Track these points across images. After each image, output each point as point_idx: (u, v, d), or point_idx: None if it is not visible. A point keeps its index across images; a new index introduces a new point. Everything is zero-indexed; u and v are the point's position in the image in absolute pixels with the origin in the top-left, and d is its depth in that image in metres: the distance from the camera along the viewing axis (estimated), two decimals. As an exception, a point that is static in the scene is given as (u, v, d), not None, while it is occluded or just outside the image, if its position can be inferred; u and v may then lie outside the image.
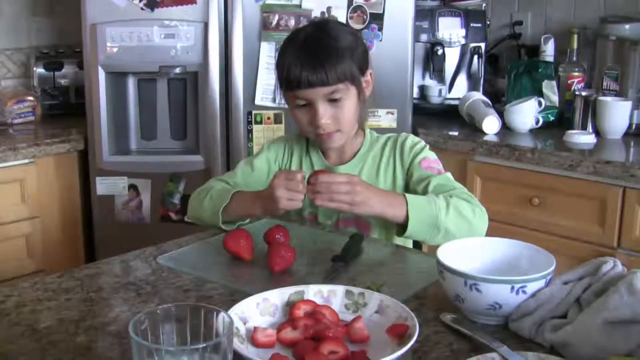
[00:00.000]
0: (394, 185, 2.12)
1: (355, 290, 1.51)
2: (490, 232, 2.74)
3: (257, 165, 2.19)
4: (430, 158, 2.11)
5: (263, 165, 2.19)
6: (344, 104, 2.00)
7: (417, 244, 2.30)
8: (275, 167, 2.19)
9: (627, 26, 3.22)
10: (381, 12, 3.05)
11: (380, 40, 3.04)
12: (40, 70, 3.62)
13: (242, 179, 2.15)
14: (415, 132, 3.18)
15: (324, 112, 1.99)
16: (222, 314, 1.16)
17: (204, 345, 1.09)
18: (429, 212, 1.87)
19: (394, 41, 3.07)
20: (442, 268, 1.46)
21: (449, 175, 2.08)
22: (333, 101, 1.99)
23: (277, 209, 1.88)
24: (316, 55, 1.97)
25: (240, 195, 2.00)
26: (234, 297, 1.55)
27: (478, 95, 3.44)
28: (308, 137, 2.15)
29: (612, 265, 1.42)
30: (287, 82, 1.99)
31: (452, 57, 3.60)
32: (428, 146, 2.16)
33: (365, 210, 1.87)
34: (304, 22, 3.03)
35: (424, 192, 2.01)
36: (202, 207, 2.06)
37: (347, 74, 1.97)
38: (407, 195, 1.90)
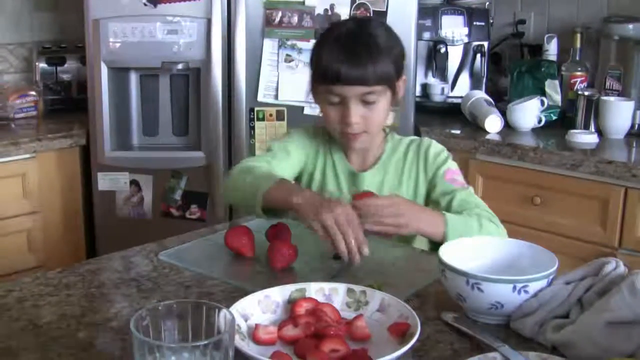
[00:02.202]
0: (416, 193, 2.10)
1: (357, 288, 1.51)
2: (492, 231, 2.75)
3: (292, 150, 2.12)
4: (453, 169, 2.08)
5: (297, 152, 2.13)
6: (377, 107, 1.96)
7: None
8: (303, 159, 2.15)
9: (630, 26, 3.22)
10: (384, 9, 3.05)
11: (383, 38, 3.04)
12: (42, 65, 3.62)
13: (279, 162, 2.08)
14: (417, 131, 3.18)
15: (356, 111, 1.95)
16: (223, 311, 1.16)
17: (206, 342, 1.09)
18: (463, 234, 1.82)
19: (397, 39, 3.06)
20: (444, 267, 1.46)
21: (471, 190, 2.06)
22: (366, 102, 1.94)
23: (307, 222, 1.75)
24: (358, 52, 1.92)
25: (284, 185, 1.89)
26: (235, 294, 1.54)
27: (480, 94, 3.44)
28: (332, 135, 2.09)
29: (615, 266, 1.42)
30: (324, 76, 1.95)
31: (454, 56, 3.60)
32: (450, 155, 2.13)
33: (409, 231, 1.83)
34: (307, 19, 3.03)
35: (448, 205, 1.99)
36: (244, 185, 1.95)
37: (385, 76, 1.93)
38: (446, 214, 1.87)
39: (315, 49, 2.03)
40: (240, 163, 2.08)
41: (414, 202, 1.97)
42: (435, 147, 2.12)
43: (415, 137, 2.18)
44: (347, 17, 2.98)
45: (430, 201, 2.08)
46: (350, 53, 1.92)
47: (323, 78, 1.96)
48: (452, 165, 2.10)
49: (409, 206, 1.85)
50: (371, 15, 3.02)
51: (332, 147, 2.14)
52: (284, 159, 2.10)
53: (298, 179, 2.18)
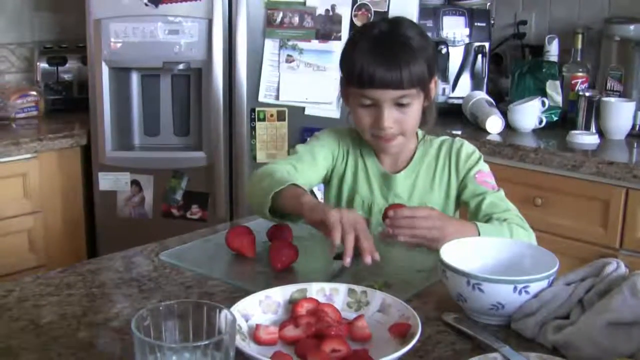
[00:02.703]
0: (448, 195, 2.07)
1: (358, 288, 1.51)
2: (493, 232, 2.75)
3: (320, 155, 2.09)
4: (484, 171, 2.05)
5: (324, 157, 2.10)
6: (411, 110, 1.93)
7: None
8: (331, 162, 2.12)
9: (631, 27, 3.22)
10: (385, 10, 3.05)
11: (385, 39, 3.03)
12: (43, 65, 3.62)
13: (304, 165, 2.05)
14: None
15: (389, 115, 1.91)
16: (224, 311, 1.16)
17: (207, 342, 1.09)
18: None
19: (398, 39, 3.06)
20: (445, 267, 1.46)
21: (502, 193, 2.02)
22: (400, 105, 1.91)
23: (321, 228, 1.73)
24: (392, 55, 1.89)
25: (296, 190, 1.85)
26: (236, 295, 1.55)
27: (482, 95, 3.44)
28: (363, 138, 2.06)
29: (616, 267, 1.42)
30: (359, 79, 1.90)
31: (456, 56, 3.59)
32: (482, 157, 2.09)
33: (442, 244, 1.69)
34: (308, 19, 3.03)
35: (477, 207, 1.98)
36: (258, 187, 1.94)
37: (419, 78, 1.90)
38: (478, 225, 1.83)
39: (347, 51, 1.98)
40: (265, 166, 2.03)
41: (447, 216, 1.92)
42: (467, 148, 2.08)
43: (447, 138, 2.13)
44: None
45: (460, 202, 2.07)
46: (384, 56, 1.88)
47: (356, 81, 1.92)
48: (484, 167, 2.07)
49: (443, 219, 1.80)
50: (372, 16, 3.02)
51: (362, 148, 2.10)
52: (309, 163, 2.06)
53: (328, 182, 2.16)
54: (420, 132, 2.11)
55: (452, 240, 1.64)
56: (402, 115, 1.93)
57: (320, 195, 2.29)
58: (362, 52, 1.90)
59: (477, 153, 2.09)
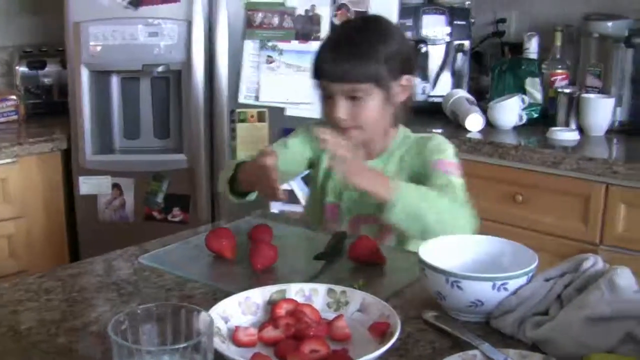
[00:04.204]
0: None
1: (337, 288, 1.51)
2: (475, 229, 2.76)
3: (291, 144, 2.18)
4: (445, 160, 2.05)
5: (297, 145, 2.18)
6: (365, 104, 1.98)
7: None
8: (309, 153, 2.19)
9: (609, 24, 3.23)
10: (365, 9, 3.05)
11: (364, 38, 3.03)
12: (23, 69, 3.60)
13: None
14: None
15: (341, 107, 1.98)
16: (202, 314, 1.16)
17: (185, 345, 1.09)
18: (416, 203, 1.81)
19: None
20: (424, 265, 1.46)
21: (456, 179, 2.02)
22: (354, 98, 1.98)
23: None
24: (344, 51, 1.98)
25: (244, 165, 2.01)
26: (216, 296, 1.54)
27: (462, 93, 3.44)
28: None
29: (593, 262, 1.43)
30: (314, 71, 2.02)
31: (436, 55, 3.60)
32: (453, 151, 2.11)
33: (356, 182, 1.76)
34: (288, 20, 3.03)
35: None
36: (221, 179, 2.12)
37: (370, 76, 1.95)
38: (399, 182, 1.84)
39: (319, 45, 2.09)
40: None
41: (376, 171, 1.94)
42: (437, 139, 2.13)
43: (427, 134, 2.19)
44: (359, 16, 2.99)
45: None
46: (335, 51, 1.99)
47: (313, 72, 2.03)
48: (449, 157, 2.07)
49: (366, 168, 1.85)
50: (352, 15, 3.02)
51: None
52: (281, 150, 2.08)
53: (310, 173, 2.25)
54: (402, 129, 2.16)
55: (367, 182, 1.76)
56: (355, 109, 1.99)
57: (300, 193, 2.32)
58: (324, 46, 2.04)
59: (447, 145, 2.11)
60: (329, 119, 2.04)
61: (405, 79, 2.04)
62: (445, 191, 1.92)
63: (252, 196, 2.06)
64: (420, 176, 2.04)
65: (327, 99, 2.02)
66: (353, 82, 1.96)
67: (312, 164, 2.22)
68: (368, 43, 1.97)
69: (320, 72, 2.00)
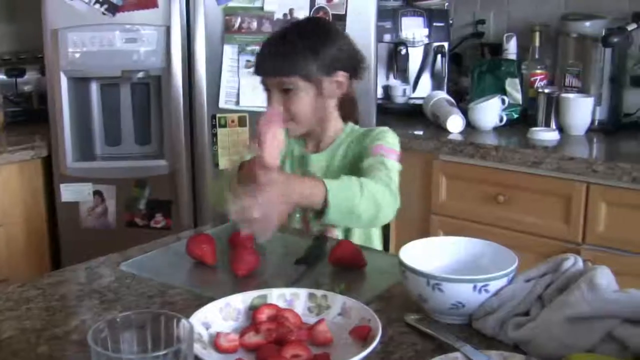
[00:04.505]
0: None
1: (318, 292, 1.51)
2: (457, 230, 2.78)
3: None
4: (384, 145, 2.13)
5: None
6: (296, 97, 2.11)
7: (384, 245, 2.31)
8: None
9: (587, 23, 3.25)
10: (343, 12, 3.05)
11: (343, 41, 3.03)
12: (1, 76, 3.57)
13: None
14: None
15: (275, 100, 2.11)
16: (182, 321, 1.15)
17: (165, 352, 1.08)
18: (346, 199, 1.83)
19: (357, 42, 2.98)
20: (404, 268, 1.46)
21: (390, 162, 2.07)
22: (285, 91, 2.10)
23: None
24: (275, 47, 2.13)
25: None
26: (198, 302, 1.54)
27: (442, 95, 3.45)
28: None
29: (573, 262, 1.43)
30: (254, 66, 2.19)
31: (415, 57, 3.61)
32: (395, 140, 2.19)
33: (281, 217, 1.73)
34: (266, 24, 3.03)
35: (359, 168, 2.07)
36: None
37: (296, 70, 2.08)
38: (326, 181, 1.83)
39: None
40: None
41: (290, 178, 1.88)
42: (380, 129, 2.23)
43: (374, 127, 2.29)
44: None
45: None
46: (269, 47, 2.16)
47: (254, 68, 2.19)
48: (387, 143, 2.15)
49: (281, 183, 1.73)
50: (330, 18, 3.02)
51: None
52: None
53: None
54: (350, 125, 2.27)
55: (300, 201, 1.77)
56: (287, 102, 2.11)
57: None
58: (263, 44, 2.19)
59: (388, 133, 2.20)
60: None
61: (340, 75, 2.15)
62: (374, 170, 2.00)
63: None
64: (360, 162, 2.13)
65: (267, 93, 2.15)
66: (281, 76, 2.09)
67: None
68: (299, 39, 2.11)
69: (257, 67, 2.16)
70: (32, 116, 3.57)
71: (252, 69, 3.00)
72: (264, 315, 1.42)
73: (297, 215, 2.21)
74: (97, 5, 3.04)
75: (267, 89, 2.14)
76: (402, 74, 3.61)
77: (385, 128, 2.23)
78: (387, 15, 3.56)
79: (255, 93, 3.02)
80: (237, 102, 3.09)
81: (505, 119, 3.26)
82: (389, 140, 2.17)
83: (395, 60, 3.57)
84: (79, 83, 3.21)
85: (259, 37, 3.02)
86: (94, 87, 3.30)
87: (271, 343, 1.33)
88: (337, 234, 2.14)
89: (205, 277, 1.77)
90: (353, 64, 2.20)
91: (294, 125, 2.14)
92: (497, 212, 3.00)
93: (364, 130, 2.26)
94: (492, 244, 1.58)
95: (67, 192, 3.21)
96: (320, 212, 1.82)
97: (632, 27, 3.11)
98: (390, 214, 1.96)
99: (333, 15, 3.04)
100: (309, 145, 2.28)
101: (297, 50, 2.09)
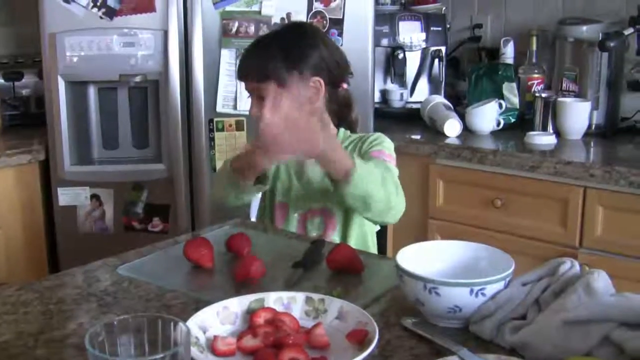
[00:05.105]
0: None
1: (316, 296, 1.51)
2: (454, 235, 2.79)
3: None
4: (384, 151, 2.15)
5: None
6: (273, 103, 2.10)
7: (381, 249, 2.32)
8: None
9: (584, 28, 3.25)
10: (341, 17, 3.06)
11: (341, 45, 3.03)
12: (-1, 80, 3.58)
13: None
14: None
15: (253, 105, 2.14)
16: (179, 324, 1.15)
17: (161, 355, 1.08)
18: (368, 182, 1.87)
19: (355, 46, 3.07)
20: (401, 272, 1.46)
21: (391, 166, 2.11)
22: (262, 97, 2.10)
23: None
24: (252, 52, 2.16)
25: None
26: (195, 306, 1.54)
27: (439, 99, 3.46)
28: None
29: (570, 266, 1.43)
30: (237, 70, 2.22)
31: (413, 61, 3.62)
32: (390, 144, 2.21)
33: (313, 148, 1.80)
34: (264, 28, 3.03)
35: None
36: (217, 185, 2.25)
37: (268, 75, 2.09)
38: (356, 159, 1.89)
39: None
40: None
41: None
42: (376, 134, 2.24)
43: (368, 133, 2.29)
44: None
45: None
46: (247, 52, 2.19)
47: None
48: (386, 149, 2.17)
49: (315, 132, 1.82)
50: (327, 23, 3.03)
51: None
52: None
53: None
54: (342, 130, 2.27)
55: (329, 155, 1.81)
56: (264, 108, 2.10)
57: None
58: (246, 49, 2.22)
59: (385, 139, 2.21)
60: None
61: (316, 81, 2.13)
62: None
63: (251, 191, 2.13)
64: None
65: (250, 97, 2.17)
66: (255, 81, 2.11)
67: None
68: (277, 44, 2.13)
69: (237, 71, 2.20)
70: (30, 120, 3.57)
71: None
72: (261, 318, 1.42)
73: (295, 215, 2.21)
74: (95, 10, 3.05)
75: (248, 94, 2.18)
76: (400, 78, 3.61)
77: (381, 134, 2.24)
78: (385, 20, 3.56)
79: (253, 97, 3.03)
80: (235, 107, 3.09)
81: (502, 123, 3.27)
82: (387, 145, 2.18)
83: (393, 65, 3.58)
84: (77, 87, 3.21)
85: (257, 41, 3.03)
86: (92, 91, 3.30)
87: (268, 347, 1.33)
88: (334, 238, 2.15)
89: (203, 280, 1.77)
90: (332, 69, 2.17)
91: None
92: (494, 216, 3.01)
93: (358, 136, 2.26)
94: (489, 248, 1.58)
95: (65, 196, 3.21)
96: (337, 182, 1.87)
97: (629, 31, 3.12)
98: (397, 215, 2.01)
99: (330, 19, 3.05)
100: None
101: (270, 55, 2.10)
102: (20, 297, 1.64)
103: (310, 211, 2.21)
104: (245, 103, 3.04)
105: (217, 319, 1.44)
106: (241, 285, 1.69)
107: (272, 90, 2.08)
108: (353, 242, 2.14)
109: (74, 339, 1.44)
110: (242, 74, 2.16)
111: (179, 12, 3.04)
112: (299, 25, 2.36)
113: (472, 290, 1.40)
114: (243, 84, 2.19)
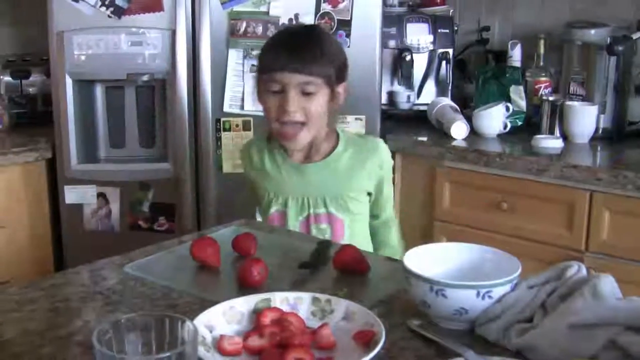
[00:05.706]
0: (362, 188, 2.26)
1: (322, 297, 1.51)
2: (460, 237, 2.78)
3: (248, 177, 2.36)
4: (390, 175, 2.31)
5: (251, 176, 2.33)
6: (315, 99, 2.09)
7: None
8: (253, 172, 2.32)
9: (592, 31, 3.25)
10: (349, 18, 3.06)
11: (348, 47, 3.03)
12: (7, 78, 3.58)
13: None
14: (383, 138, 3.16)
15: (294, 99, 2.07)
16: (186, 323, 1.15)
17: (168, 354, 1.08)
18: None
19: (362, 47, 3.07)
20: (408, 274, 1.46)
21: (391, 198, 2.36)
22: (305, 93, 2.08)
23: None
24: (301, 44, 2.10)
25: None
26: (201, 305, 1.54)
27: (446, 101, 3.45)
28: (271, 134, 2.22)
29: (577, 270, 1.43)
30: (266, 64, 2.12)
31: (420, 63, 3.61)
32: (389, 155, 2.32)
33: None
34: (271, 28, 3.03)
35: (378, 213, 2.32)
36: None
37: (324, 72, 2.08)
38: None
39: (266, 43, 2.21)
40: None
41: None
42: (387, 153, 2.30)
43: (367, 136, 2.38)
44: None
45: (370, 198, 2.29)
46: (293, 43, 2.11)
47: (265, 66, 2.13)
48: (390, 171, 2.35)
49: None
50: (335, 24, 3.03)
51: (273, 147, 2.26)
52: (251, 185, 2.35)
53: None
54: (340, 131, 2.28)
55: None
56: (307, 103, 2.09)
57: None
58: (273, 43, 2.18)
59: (386, 155, 2.31)
60: (275, 115, 2.12)
61: (343, 86, 2.17)
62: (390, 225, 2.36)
63: None
64: (376, 186, 2.28)
65: (275, 94, 2.10)
66: (308, 75, 2.06)
67: (254, 180, 2.32)
68: (321, 43, 2.12)
69: (275, 64, 2.08)
70: (37, 118, 3.58)
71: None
72: (267, 318, 1.42)
73: (300, 218, 2.21)
74: (103, 8, 3.05)
75: (279, 90, 2.09)
76: (407, 80, 3.60)
77: (386, 148, 2.30)
78: (392, 22, 3.56)
79: (260, 97, 3.04)
80: (242, 107, 3.10)
81: (509, 126, 3.27)
82: (390, 165, 2.32)
83: (400, 67, 3.57)
84: (84, 85, 3.22)
85: (264, 42, 3.02)
86: (99, 90, 3.31)
87: (274, 346, 1.33)
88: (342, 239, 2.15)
89: (209, 280, 1.77)
90: (346, 75, 2.21)
91: (305, 133, 2.13)
92: (500, 219, 3.00)
93: (357, 139, 2.30)
94: (496, 251, 1.57)
95: (71, 194, 3.21)
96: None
97: (637, 35, 3.12)
98: None
99: (338, 20, 3.05)
100: (296, 155, 2.25)
101: (324, 52, 2.10)
102: (26, 295, 1.64)
103: (315, 216, 2.22)
104: (252, 103, 3.05)
105: (224, 319, 1.44)
106: (247, 285, 1.69)
107: (320, 86, 2.09)
108: (359, 245, 2.12)
109: (80, 337, 1.44)
110: (292, 66, 2.06)
111: (187, 12, 3.05)
112: (321, 27, 2.41)
113: (478, 293, 1.40)
114: (264, 77, 2.13)
